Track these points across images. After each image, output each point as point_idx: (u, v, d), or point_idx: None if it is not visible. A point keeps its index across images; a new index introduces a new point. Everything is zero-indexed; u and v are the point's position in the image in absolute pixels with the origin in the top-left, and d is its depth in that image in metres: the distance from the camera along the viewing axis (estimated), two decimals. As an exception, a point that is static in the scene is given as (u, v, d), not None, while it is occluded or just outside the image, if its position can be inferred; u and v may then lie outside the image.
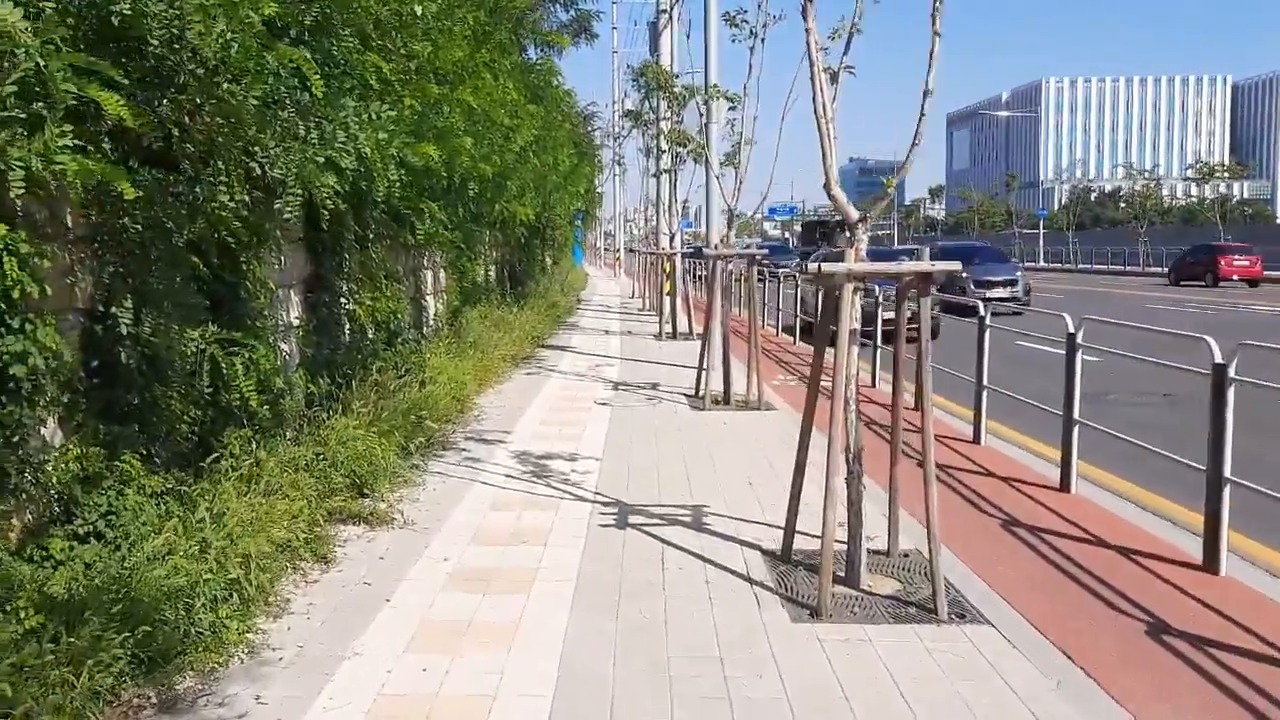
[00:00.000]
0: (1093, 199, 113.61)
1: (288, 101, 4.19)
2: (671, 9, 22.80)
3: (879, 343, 11.99)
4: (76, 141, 3.28)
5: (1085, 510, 6.54)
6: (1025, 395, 8.67)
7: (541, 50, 14.38)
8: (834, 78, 5.07)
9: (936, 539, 4.75)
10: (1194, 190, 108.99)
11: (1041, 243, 68.24)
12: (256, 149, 4.11)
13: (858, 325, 4.95)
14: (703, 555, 5.53)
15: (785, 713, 3.71)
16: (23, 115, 3.09)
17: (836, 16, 4.90)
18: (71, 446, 4.41)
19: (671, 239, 19.25)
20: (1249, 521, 5.97)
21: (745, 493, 6.92)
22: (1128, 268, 54.28)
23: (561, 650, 4.26)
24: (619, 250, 59.57)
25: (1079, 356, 7.06)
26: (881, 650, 4.31)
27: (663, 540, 5.78)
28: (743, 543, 5.77)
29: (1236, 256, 39.79)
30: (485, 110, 8.53)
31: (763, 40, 10.04)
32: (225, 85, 3.76)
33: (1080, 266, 60.20)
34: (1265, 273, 39.43)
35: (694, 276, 27.21)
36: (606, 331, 19.67)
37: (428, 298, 12.52)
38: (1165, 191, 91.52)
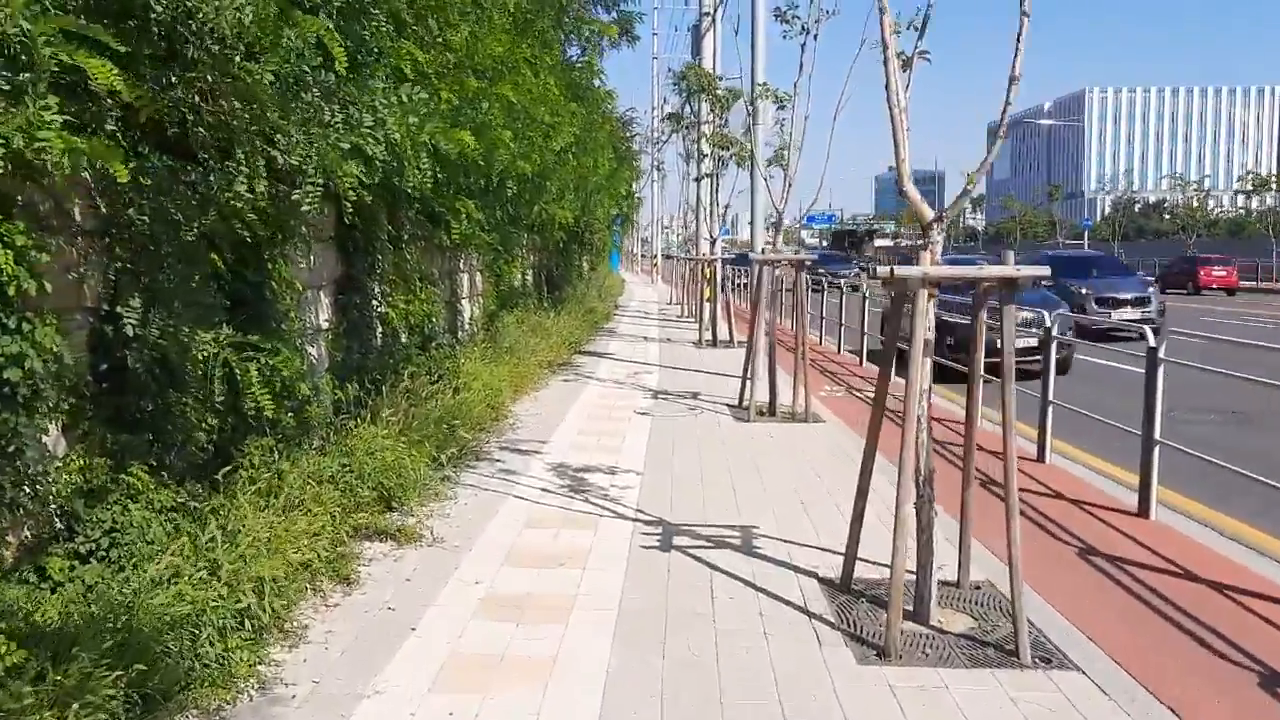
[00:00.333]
0: (1136, 210, 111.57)
1: (310, 81, 3.82)
2: (715, 12, 22.42)
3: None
4: (72, 119, 2.93)
5: (1167, 538, 6.03)
6: (1084, 409, 8.17)
7: (583, 49, 13.98)
8: (907, 64, 4.63)
9: (1019, 575, 4.28)
10: (1239, 201, 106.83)
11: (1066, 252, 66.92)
12: (278, 135, 3.75)
13: (930, 335, 4.50)
14: (754, 583, 5.09)
15: (857, 774, 3.27)
16: (6, 86, 2.74)
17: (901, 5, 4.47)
18: (75, 457, 4.07)
19: (712, 244, 18.80)
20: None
21: (796, 511, 6.48)
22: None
23: (603, 691, 3.85)
24: (656, 256, 59.18)
25: (1160, 372, 6.54)
26: (960, 698, 3.85)
27: (710, 565, 5.35)
28: (797, 569, 5.33)
29: (1215, 267, 43.28)
30: (525, 107, 8.15)
31: (815, 36, 9.63)
32: (239, 61, 3.40)
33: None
34: (1240, 282, 43.73)
35: (735, 285, 26.69)
36: (645, 338, 19.26)
37: (463, 301, 12.18)
38: (1210, 203, 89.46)
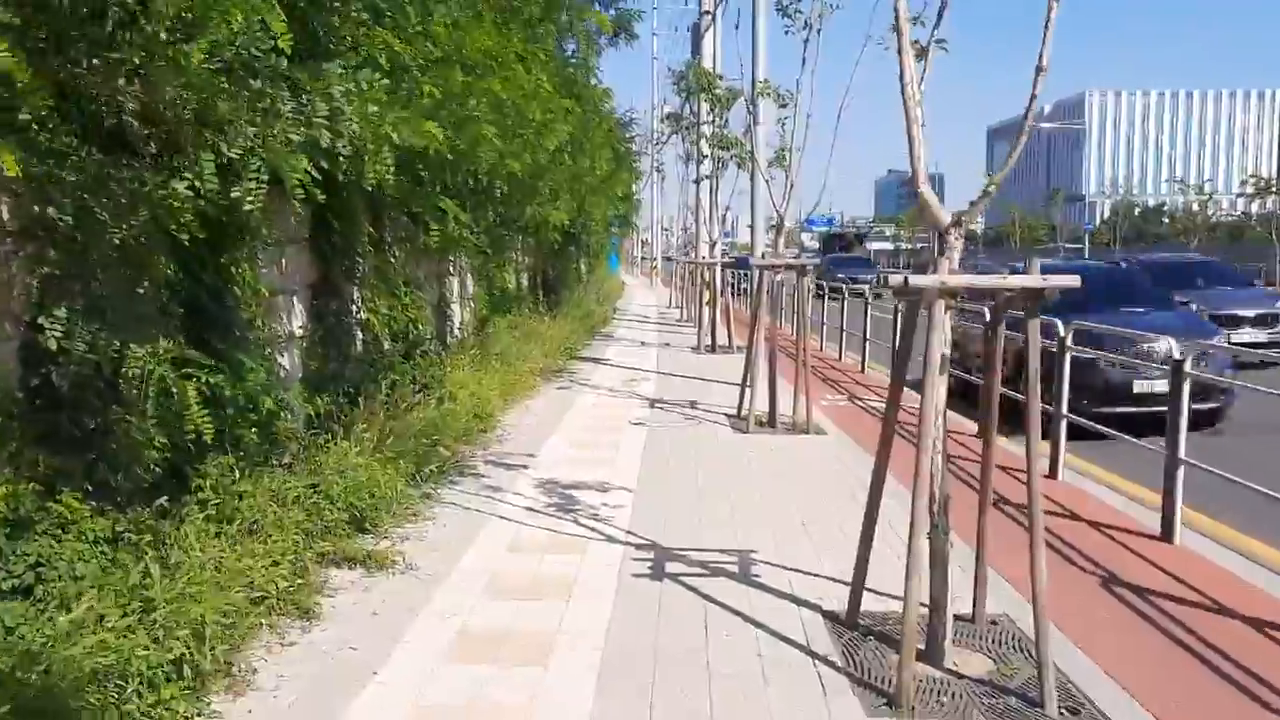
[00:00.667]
0: (1136, 214, 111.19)
1: (256, 66, 3.42)
2: (715, 10, 22.03)
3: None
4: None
5: (1195, 567, 5.62)
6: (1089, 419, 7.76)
7: (579, 45, 13.56)
8: (922, 53, 4.23)
9: (1044, 615, 3.88)
10: (1239, 206, 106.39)
11: (1088, 258, 66.55)
12: (222, 127, 3.35)
13: (947, 350, 4.10)
14: (753, 617, 4.68)
15: None
16: None
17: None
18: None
19: (712, 248, 18.40)
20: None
21: (797, 534, 6.07)
22: (1178, 284, 53.16)
23: (582, 748, 3.44)
24: (656, 259, 58.76)
25: (1186, 388, 6.13)
26: (981, 759, 3.45)
27: (705, 596, 4.94)
28: (799, 600, 4.92)
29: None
30: (515, 103, 7.74)
31: (818, 31, 9.24)
32: (164, 37, 3.00)
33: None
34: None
35: (736, 290, 26.21)
36: (643, 343, 18.86)
37: (453, 305, 11.77)
38: (1210, 207, 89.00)
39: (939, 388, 4.03)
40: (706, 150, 17.65)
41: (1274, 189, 68.40)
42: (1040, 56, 3.87)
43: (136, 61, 3.10)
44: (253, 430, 5.48)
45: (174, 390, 3.71)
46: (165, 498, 4.35)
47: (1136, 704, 3.89)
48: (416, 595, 4.88)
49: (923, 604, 4.18)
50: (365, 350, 8.02)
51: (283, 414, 6.01)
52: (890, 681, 3.96)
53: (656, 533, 6.04)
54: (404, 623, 4.53)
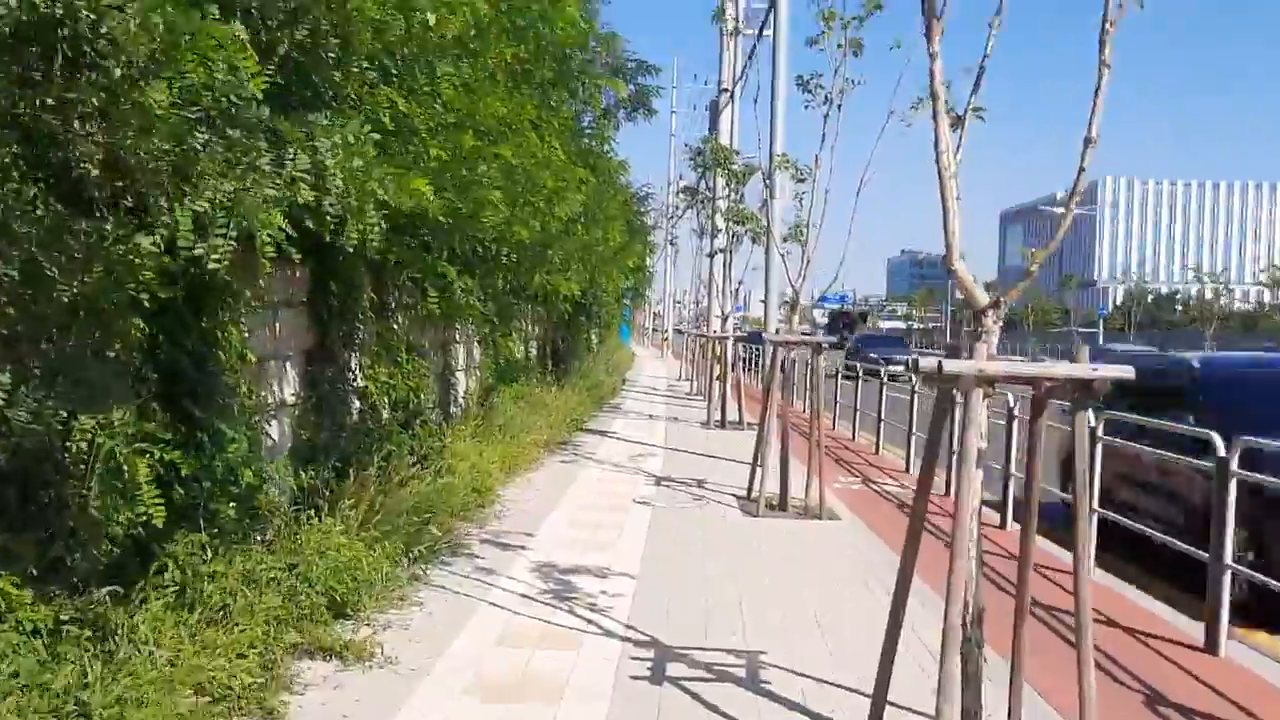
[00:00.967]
0: (1149, 300, 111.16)
1: (235, 114, 3.14)
2: (734, 88, 22.10)
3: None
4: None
5: (1246, 684, 5.16)
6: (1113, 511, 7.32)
7: (594, 117, 13.43)
8: (957, 122, 3.94)
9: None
10: (1252, 295, 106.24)
11: (1101, 342, 66.22)
12: (196, 178, 3.05)
13: (984, 443, 3.74)
14: (762, 732, 4.24)
15: None
16: None
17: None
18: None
19: (724, 322, 18.13)
20: None
21: (811, 634, 5.63)
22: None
23: None
24: (667, 331, 58.69)
25: (1232, 486, 5.72)
26: None
27: (709, 706, 4.49)
28: (812, 715, 4.47)
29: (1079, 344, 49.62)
30: (526, 169, 7.50)
31: (839, 107, 9.06)
32: (123, 74, 2.70)
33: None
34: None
35: (747, 365, 25.86)
36: (651, 416, 18.48)
37: (458, 374, 11.46)
38: (1224, 297, 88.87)
39: (974, 484, 3.66)
40: (721, 224, 17.53)
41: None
42: (1089, 127, 3.58)
43: (96, 103, 2.83)
44: (230, 505, 5.12)
45: (124, 466, 3.35)
46: (120, 581, 3.96)
47: None
48: (393, 694, 4.45)
49: (952, 725, 3.76)
50: (361, 419, 7.68)
51: (265, 487, 5.66)
52: (917, 817, 3.52)
53: (658, 627, 5.61)
54: (377, 727, 4.11)
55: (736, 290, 18.08)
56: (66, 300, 3.04)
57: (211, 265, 3.19)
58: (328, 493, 5.94)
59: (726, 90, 22.17)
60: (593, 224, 12.01)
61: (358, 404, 7.60)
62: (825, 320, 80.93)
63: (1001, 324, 3.79)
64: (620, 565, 6.97)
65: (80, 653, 3.48)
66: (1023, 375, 3.66)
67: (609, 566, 6.91)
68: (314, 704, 4.30)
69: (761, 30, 15.74)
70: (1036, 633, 5.56)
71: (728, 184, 15.79)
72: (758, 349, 23.76)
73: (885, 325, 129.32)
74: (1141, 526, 7.22)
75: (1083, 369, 3.50)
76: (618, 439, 14.63)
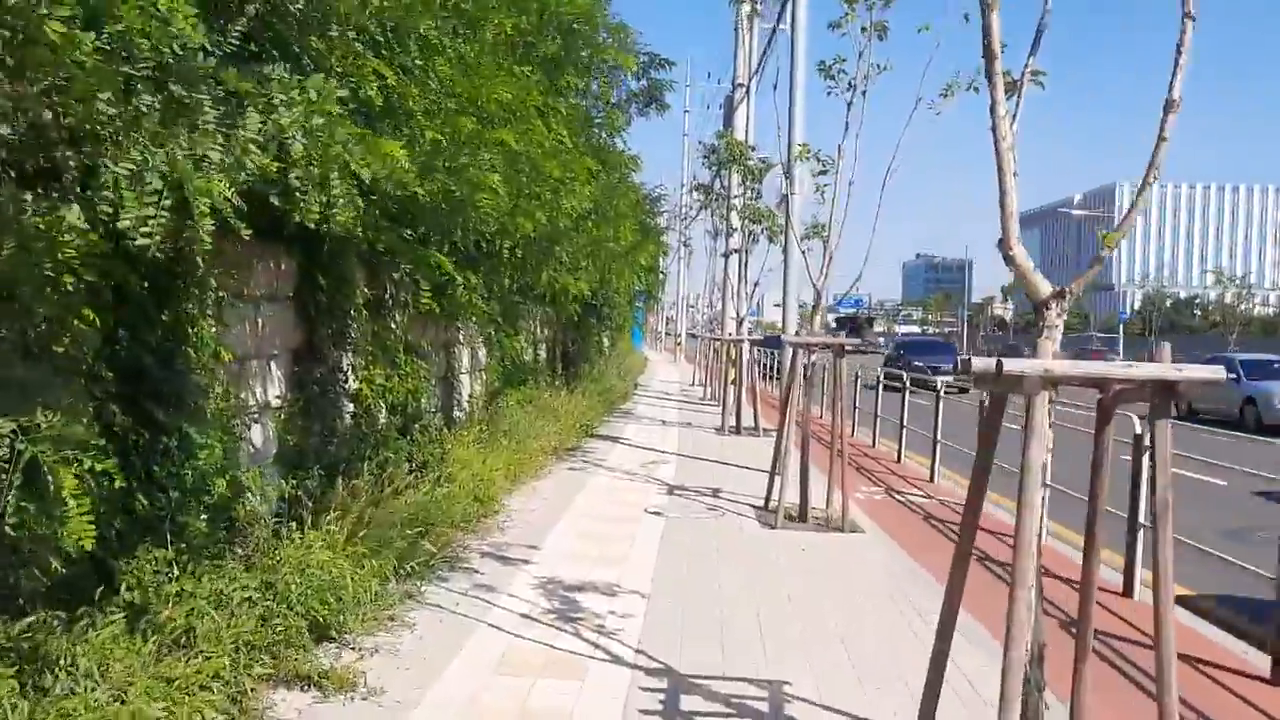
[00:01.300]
0: (1168, 304, 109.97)
1: (170, 63, 2.68)
2: (749, 83, 21.61)
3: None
4: None
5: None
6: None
7: (602, 108, 12.89)
8: (1012, 87, 3.45)
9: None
10: (1271, 300, 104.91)
11: (1121, 347, 65.36)
12: (122, 137, 2.59)
13: (1048, 458, 3.24)
14: (788, 779, 3.75)
15: None
16: None
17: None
18: None
19: (739, 324, 17.61)
20: None
21: (838, 660, 5.13)
22: (1218, 378, 52.75)
23: None
24: (680, 334, 58.19)
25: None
26: None
27: (729, 745, 4.02)
28: (845, 756, 3.99)
29: (1106, 352, 51.76)
30: (531, 157, 7.04)
31: (863, 93, 8.57)
32: (42, 11, 2.22)
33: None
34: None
35: (764, 372, 25.25)
36: (663, 422, 17.98)
37: (462, 376, 11.01)
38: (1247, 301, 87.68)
39: (1036, 502, 3.16)
40: (736, 223, 17.02)
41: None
42: (1171, 88, 3.09)
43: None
44: (202, 517, 4.68)
45: (50, 476, 2.89)
46: (71, 604, 3.50)
47: None
48: (375, 732, 3.99)
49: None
50: (356, 424, 7.23)
51: (245, 497, 5.21)
52: None
53: (671, 652, 5.12)
54: (353, 772, 3.64)
55: (752, 292, 17.55)
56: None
57: (141, 241, 2.72)
58: (310, 503, 5.46)
59: (742, 85, 21.69)
60: (603, 220, 11.54)
61: (351, 407, 7.15)
62: (833, 325, 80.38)
63: (1065, 317, 3.30)
64: (631, 582, 6.49)
65: (2, 688, 3.01)
66: (1096, 376, 3.16)
67: (618, 583, 6.43)
68: (283, 745, 3.84)
69: (779, 20, 15.24)
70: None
71: (743, 180, 15.32)
72: (774, 353, 23.21)
73: (900, 330, 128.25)
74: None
75: (1166, 369, 3.00)
76: (629, 445, 14.15)
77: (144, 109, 2.62)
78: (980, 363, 3.16)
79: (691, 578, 6.70)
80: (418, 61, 5.22)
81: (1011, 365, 3.01)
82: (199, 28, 2.62)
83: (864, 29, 8.23)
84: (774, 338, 16.52)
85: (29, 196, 2.71)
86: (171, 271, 3.92)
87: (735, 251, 17.69)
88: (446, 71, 5.67)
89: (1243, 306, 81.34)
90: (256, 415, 5.80)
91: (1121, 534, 6.86)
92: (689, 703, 4.45)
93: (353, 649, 4.86)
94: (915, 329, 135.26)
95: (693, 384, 29.46)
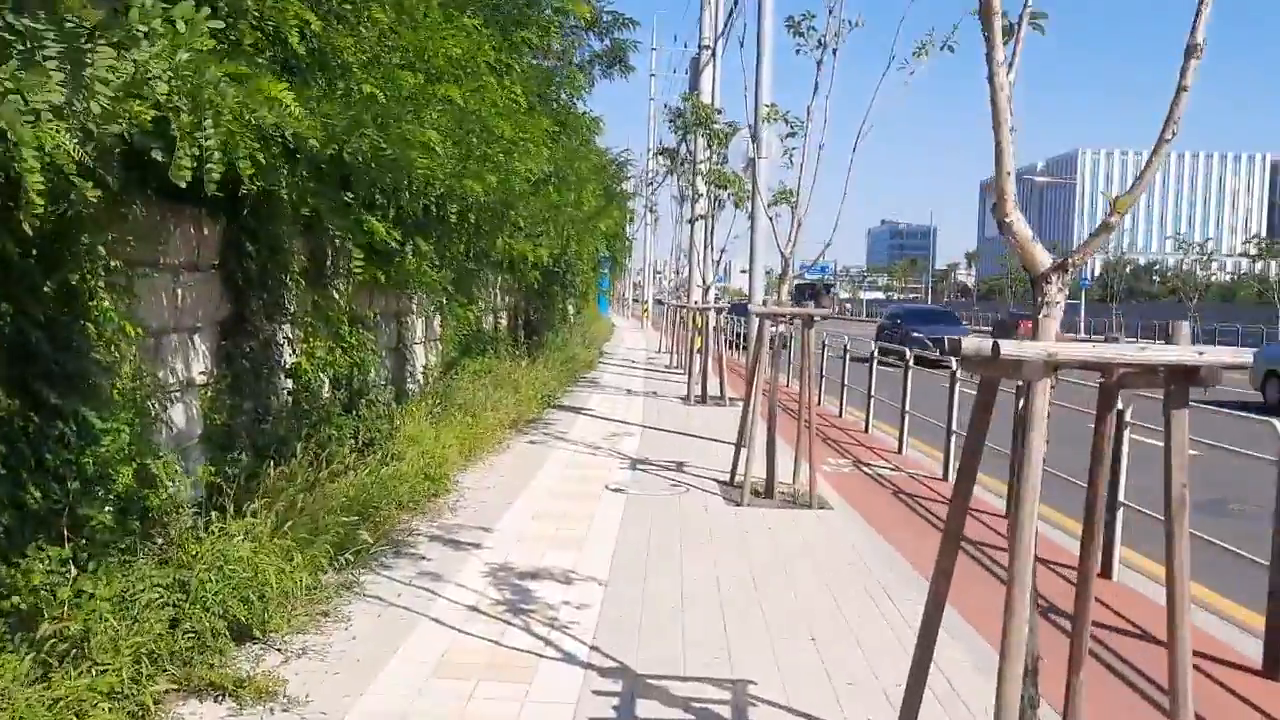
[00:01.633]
0: (1128, 271, 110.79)
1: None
2: (715, 45, 21.08)
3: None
4: None
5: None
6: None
7: (562, 67, 12.34)
8: (1010, 31, 3.05)
9: None
10: (1239, 265, 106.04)
11: (1083, 314, 65.69)
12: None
13: (1043, 445, 2.88)
14: (753, 799, 3.40)
15: None
16: None
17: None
18: None
19: (705, 292, 17.20)
20: None
21: (807, 656, 4.79)
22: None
23: None
24: (648, 302, 57.74)
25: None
26: None
27: (688, 760, 3.66)
28: (815, 770, 3.64)
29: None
30: (480, 115, 6.56)
31: (834, 51, 8.15)
32: None
33: (1126, 341, 58.27)
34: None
35: (737, 343, 24.98)
36: (629, 391, 17.59)
37: (415, 347, 10.53)
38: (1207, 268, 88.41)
39: (1035, 499, 2.80)
40: (702, 189, 16.57)
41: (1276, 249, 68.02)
42: (1193, 32, 2.70)
43: None
44: (106, 510, 4.22)
45: None
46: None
47: None
48: (293, 752, 3.59)
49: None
50: (295, 402, 6.77)
51: (163, 485, 4.75)
52: None
53: (628, 648, 4.76)
54: (265, 802, 3.25)
55: (718, 260, 17.13)
56: None
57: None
58: (233, 490, 5.01)
59: (708, 47, 21.16)
60: (564, 185, 11.07)
61: (289, 383, 6.69)
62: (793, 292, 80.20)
63: (1067, 292, 2.92)
64: (587, 568, 6.11)
65: None
66: (1107, 360, 2.78)
67: (574, 569, 6.05)
68: (186, 771, 3.42)
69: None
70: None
71: (709, 145, 14.86)
72: (742, 321, 22.87)
73: (866, 296, 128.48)
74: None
75: (1186, 352, 2.63)
76: (592, 416, 13.76)
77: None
78: (972, 344, 2.78)
79: (653, 562, 6.34)
80: (346, 6, 4.71)
81: (1009, 348, 2.63)
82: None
83: (835, -18, 7.81)
84: (741, 305, 16.10)
85: None
86: (55, 238, 3.44)
87: (701, 218, 17.23)
88: (384, 19, 5.17)
89: (1202, 273, 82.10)
90: (178, 394, 5.33)
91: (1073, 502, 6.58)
92: (645, 709, 4.08)
93: (278, 650, 4.45)
94: (879, 295, 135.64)
95: (659, 351, 29.09)
